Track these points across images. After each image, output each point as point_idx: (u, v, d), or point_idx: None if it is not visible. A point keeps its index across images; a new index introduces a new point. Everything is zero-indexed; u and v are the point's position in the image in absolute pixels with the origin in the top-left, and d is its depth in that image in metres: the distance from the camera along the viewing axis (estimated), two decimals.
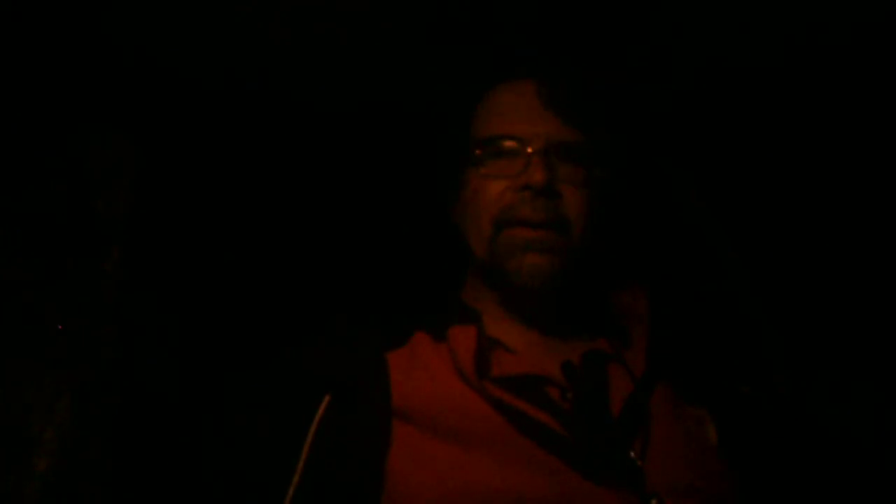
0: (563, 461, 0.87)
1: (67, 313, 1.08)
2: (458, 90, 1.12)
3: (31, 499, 0.99)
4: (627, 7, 1.15)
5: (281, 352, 1.01)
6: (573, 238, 1.00)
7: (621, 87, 1.20)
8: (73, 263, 1.11)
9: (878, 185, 1.23)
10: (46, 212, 1.11)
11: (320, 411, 0.92)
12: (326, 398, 0.93)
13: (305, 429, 0.91)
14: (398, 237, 1.28)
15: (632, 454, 0.88)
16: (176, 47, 1.20)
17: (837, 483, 0.99)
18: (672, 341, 1.02)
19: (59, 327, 1.07)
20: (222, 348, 1.16)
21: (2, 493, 0.98)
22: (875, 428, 1.08)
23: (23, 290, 1.07)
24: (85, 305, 1.10)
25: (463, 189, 1.05)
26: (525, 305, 1.04)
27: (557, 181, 0.99)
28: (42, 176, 1.13)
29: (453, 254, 1.10)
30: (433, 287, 1.13)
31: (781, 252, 1.22)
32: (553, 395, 0.93)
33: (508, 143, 1.01)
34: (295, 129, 1.31)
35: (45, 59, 1.15)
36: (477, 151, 1.03)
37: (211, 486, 0.94)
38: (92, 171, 1.15)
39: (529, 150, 1.00)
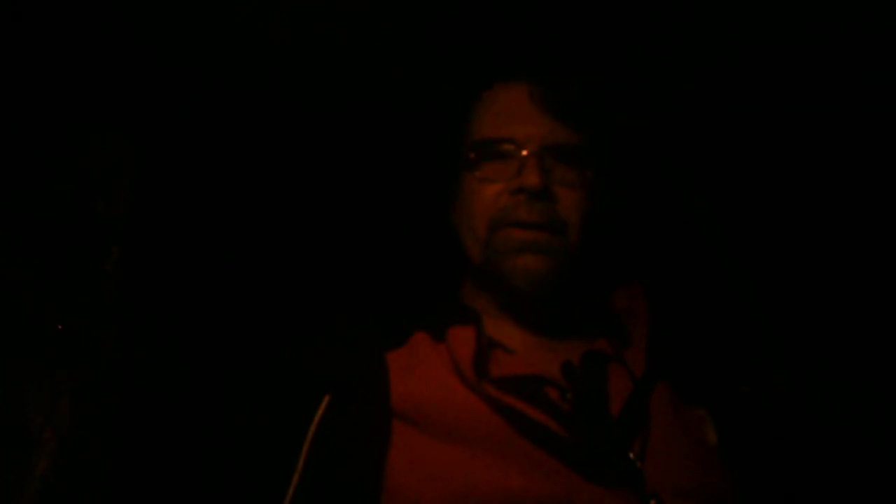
0: (563, 462, 0.87)
1: (67, 313, 1.08)
2: (456, 91, 1.12)
3: (31, 499, 0.99)
4: (626, 7, 1.15)
5: (281, 352, 1.01)
6: (568, 239, 1.00)
7: (620, 88, 1.20)
8: (73, 263, 1.11)
9: (877, 185, 1.23)
10: (46, 212, 1.11)
11: (320, 411, 0.92)
12: (326, 398, 0.93)
13: (305, 429, 0.91)
14: (397, 237, 1.28)
15: (631, 455, 0.88)
16: (176, 47, 1.20)
17: (837, 483, 0.99)
18: (672, 341, 1.02)
19: (59, 327, 1.07)
20: (222, 348, 1.16)
21: (2, 493, 0.98)
22: (875, 428, 1.08)
23: (23, 290, 1.07)
24: (85, 305, 1.10)
25: (459, 191, 1.06)
26: (521, 307, 1.04)
27: (552, 183, 0.99)
28: (42, 176, 1.12)
29: (452, 254, 1.10)
30: (432, 287, 1.13)
31: (781, 252, 1.22)
32: (553, 396, 0.93)
33: (502, 146, 1.02)
34: (295, 129, 1.30)
35: (46, 58, 1.15)
36: (471, 154, 1.03)
37: (211, 486, 0.94)
38: (92, 171, 1.15)
39: (524, 152, 1.00)
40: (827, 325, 1.17)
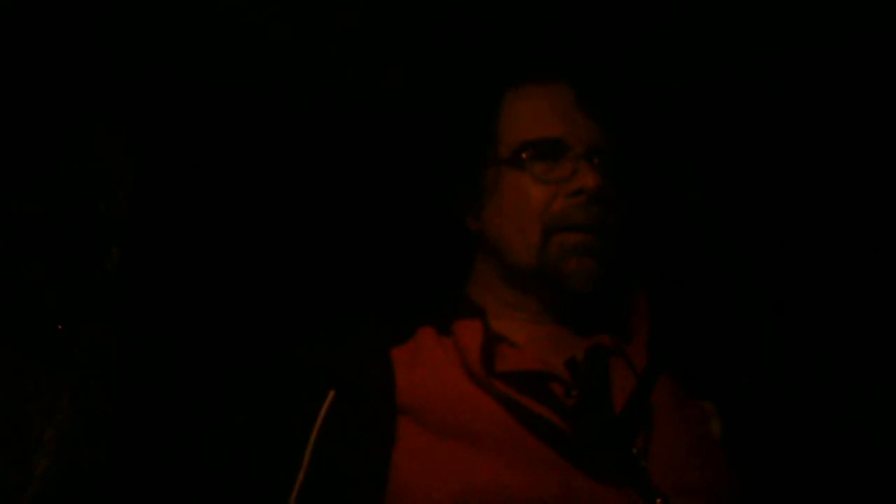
0: (567, 458, 0.86)
1: (67, 313, 1.08)
2: (473, 90, 1.11)
3: (31, 499, 0.98)
4: (630, 9, 1.16)
5: (285, 348, 1.00)
6: (612, 241, 1.01)
7: (631, 90, 1.21)
8: (73, 263, 1.11)
9: (877, 184, 1.23)
10: (46, 212, 1.11)
11: (325, 407, 0.92)
12: (331, 394, 0.93)
13: (310, 425, 0.90)
14: (401, 233, 1.28)
15: (634, 451, 0.88)
16: (176, 48, 1.20)
17: (841, 478, 1.00)
18: (673, 337, 1.02)
19: (59, 327, 1.07)
20: (224, 346, 1.16)
21: (2, 493, 0.97)
22: (877, 423, 1.08)
23: (23, 290, 1.07)
24: (85, 305, 1.09)
25: (491, 192, 1.03)
26: (551, 307, 1.03)
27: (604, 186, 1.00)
28: (42, 176, 1.13)
29: (455, 250, 1.10)
30: (436, 282, 1.13)
31: (782, 249, 1.23)
32: (557, 392, 0.93)
33: (555, 147, 1.01)
34: (295, 127, 1.31)
35: (47, 59, 1.15)
36: (523, 155, 1.01)
37: (216, 483, 0.93)
38: (92, 171, 1.15)
39: (576, 154, 1.00)
40: (827, 322, 1.18)
